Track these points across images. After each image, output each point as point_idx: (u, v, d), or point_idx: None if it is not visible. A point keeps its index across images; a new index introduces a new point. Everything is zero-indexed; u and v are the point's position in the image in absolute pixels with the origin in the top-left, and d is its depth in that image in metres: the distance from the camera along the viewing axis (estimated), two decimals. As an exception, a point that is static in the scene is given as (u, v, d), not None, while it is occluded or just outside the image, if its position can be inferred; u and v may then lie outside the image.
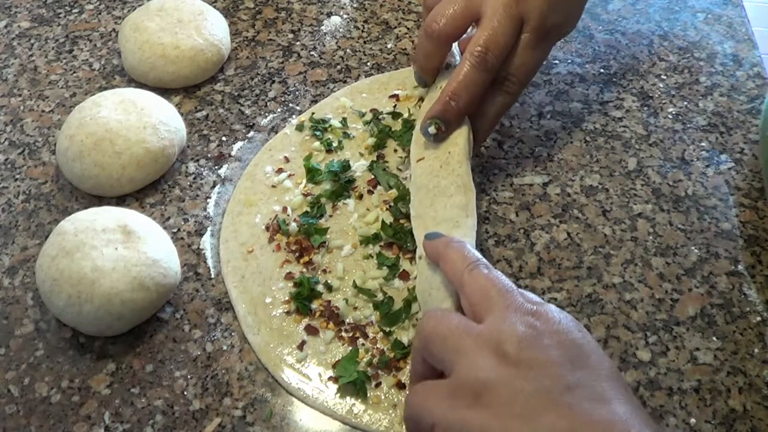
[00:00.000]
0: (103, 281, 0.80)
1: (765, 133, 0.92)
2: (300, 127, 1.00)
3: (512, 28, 0.89)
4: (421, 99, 1.00)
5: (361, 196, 0.94)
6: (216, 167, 0.98)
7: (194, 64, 1.04)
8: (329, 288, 0.87)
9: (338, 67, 1.09)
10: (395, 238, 0.90)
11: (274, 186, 0.95)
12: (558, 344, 0.63)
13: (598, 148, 0.99)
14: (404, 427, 0.73)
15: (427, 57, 0.94)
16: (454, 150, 0.89)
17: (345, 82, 1.06)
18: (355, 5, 1.17)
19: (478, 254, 0.74)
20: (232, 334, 0.84)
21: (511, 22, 0.88)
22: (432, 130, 0.89)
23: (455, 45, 0.97)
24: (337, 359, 0.82)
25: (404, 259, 0.89)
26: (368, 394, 0.80)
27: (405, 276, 0.88)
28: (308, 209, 0.93)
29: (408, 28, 1.13)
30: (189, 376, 0.82)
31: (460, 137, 0.90)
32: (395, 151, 0.98)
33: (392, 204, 0.93)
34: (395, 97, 1.03)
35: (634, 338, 0.84)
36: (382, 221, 0.92)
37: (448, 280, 0.76)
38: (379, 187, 0.95)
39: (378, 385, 0.81)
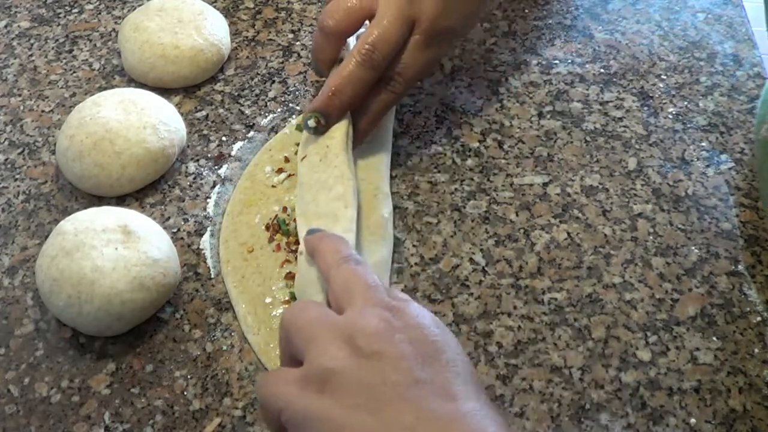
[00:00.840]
0: (103, 281, 0.80)
1: (758, 133, 0.92)
2: (300, 127, 0.99)
3: (402, 29, 0.89)
4: None
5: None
6: (216, 167, 0.98)
7: (194, 64, 1.03)
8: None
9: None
10: (395, 238, 0.90)
11: (274, 186, 0.95)
12: (411, 340, 0.64)
13: (598, 148, 0.99)
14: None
15: (321, 51, 0.95)
16: (332, 143, 0.89)
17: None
18: (357, 5, 1.16)
19: (352, 250, 0.76)
20: (232, 334, 0.84)
21: (402, 22, 0.89)
22: (311, 123, 0.90)
23: (351, 39, 0.97)
24: None
25: (404, 259, 0.89)
26: None
27: (405, 276, 0.87)
28: (308, 209, 0.93)
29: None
30: (189, 376, 0.81)
31: (338, 130, 0.90)
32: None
33: None
34: None
35: (634, 338, 0.84)
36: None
37: (321, 274, 0.77)
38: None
39: None
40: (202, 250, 0.91)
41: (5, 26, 1.15)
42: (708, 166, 0.97)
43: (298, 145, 0.97)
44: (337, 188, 0.86)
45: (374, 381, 0.61)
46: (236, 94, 1.05)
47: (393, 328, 0.64)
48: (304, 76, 1.07)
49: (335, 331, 0.65)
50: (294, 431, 0.63)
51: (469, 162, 0.97)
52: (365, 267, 0.73)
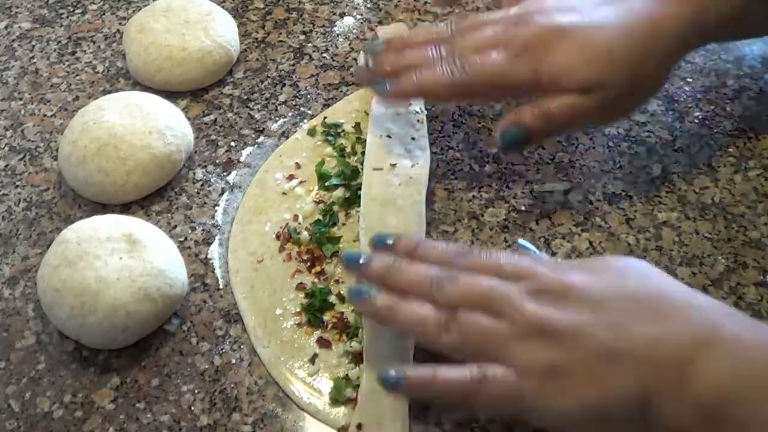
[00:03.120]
0: (107, 292, 0.79)
1: None
2: (312, 132, 0.98)
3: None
4: None
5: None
6: (224, 173, 0.96)
7: (202, 66, 1.02)
8: (342, 299, 0.85)
9: (351, 69, 1.07)
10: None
11: (284, 193, 0.93)
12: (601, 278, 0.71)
13: (621, 154, 0.97)
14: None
15: None
16: (416, 174, 0.89)
17: (358, 85, 1.04)
18: (368, 5, 1.15)
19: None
20: (241, 346, 0.83)
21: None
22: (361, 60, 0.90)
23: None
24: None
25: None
26: None
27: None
28: (320, 217, 0.91)
29: (423, 30, 1.11)
30: (196, 391, 0.80)
31: (424, 167, 0.90)
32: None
33: None
34: None
35: None
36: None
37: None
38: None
39: None
40: (210, 259, 0.90)
41: (6, 27, 1.14)
42: (735, 172, 0.95)
43: (309, 150, 0.97)
44: (410, 223, 0.86)
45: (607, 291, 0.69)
46: (245, 97, 1.04)
47: (570, 285, 0.70)
48: (316, 79, 1.06)
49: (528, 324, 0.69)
50: None
51: (488, 168, 0.96)
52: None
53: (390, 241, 0.78)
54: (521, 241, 0.85)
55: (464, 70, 0.83)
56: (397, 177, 0.89)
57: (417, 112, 0.95)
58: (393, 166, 0.90)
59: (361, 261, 0.76)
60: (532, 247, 0.83)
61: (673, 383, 0.64)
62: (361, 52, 0.94)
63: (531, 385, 0.67)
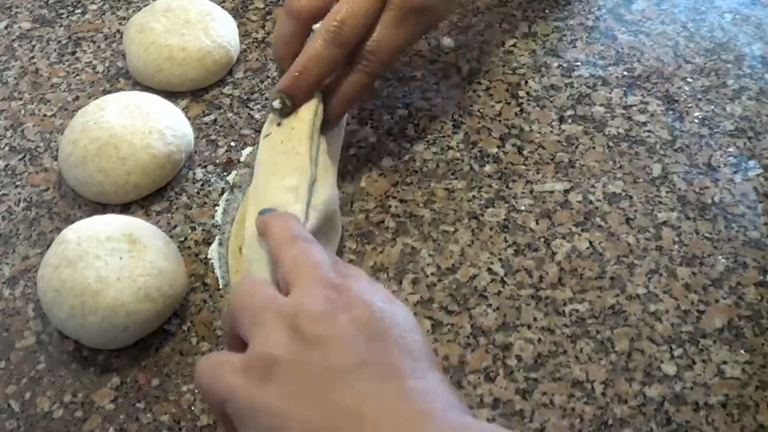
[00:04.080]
0: (107, 292, 0.79)
1: None
2: None
3: (372, 3, 0.86)
4: None
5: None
6: (224, 173, 0.96)
7: (202, 66, 1.02)
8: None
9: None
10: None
11: None
12: (355, 319, 0.63)
13: (621, 154, 0.97)
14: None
15: (288, 41, 0.90)
16: (298, 126, 0.87)
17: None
18: (367, 6, 1.14)
19: (304, 230, 0.75)
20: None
21: None
22: (276, 104, 0.87)
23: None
24: None
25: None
26: None
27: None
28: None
29: (424, 29, 1.11)
30: (197, 391, 0.80)
31: (307, 111, 0.87)
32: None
33: None
34: None
35: (659, 351, 0.82)
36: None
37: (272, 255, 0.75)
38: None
39: None
40: (210, 259, 0.90)
41: (6, 27, 1.14)
42: (735, 172, 0.95)
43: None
44: (290, 179, 0.83)
45: (317, 367, 0.61)
46: (245, 97, 1.04)
47: (337, 308, 0.63)
48: (316, 79, 1.05)
49: (280, 314, 0.64)
50: (239, 422, 0.63)
51: (488, 168, 0.96)
52: (314, 244, 0.72)
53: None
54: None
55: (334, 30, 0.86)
56: (280, 134, 0.87)
57: None
58: (278, 125, 0.88)
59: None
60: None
61: None
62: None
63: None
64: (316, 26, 0.90)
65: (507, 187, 0.94)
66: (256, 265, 0.77)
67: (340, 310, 0.63)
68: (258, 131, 0.99)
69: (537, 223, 0.91)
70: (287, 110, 0.87)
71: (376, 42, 0.87)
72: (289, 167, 0.83)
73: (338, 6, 0.86)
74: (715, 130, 0.99)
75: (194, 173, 0.96)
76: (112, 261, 0.81)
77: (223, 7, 1.10)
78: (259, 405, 0.61)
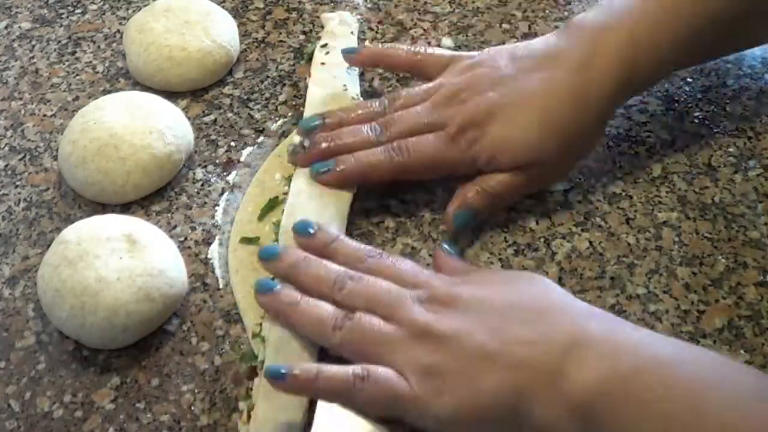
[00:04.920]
0: (107, 292, 0.79)
1: None
2: None
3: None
4: None
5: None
6: (224, 174, 0.96)
7: (202, 66, 1.02)
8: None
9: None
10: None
11: (285, 194, 0.92)
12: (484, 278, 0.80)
13: (621, 154, 0.97)
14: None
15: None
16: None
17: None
18: (368, 5, 1.15)
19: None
20: (241, 347, 0.82)
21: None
22: (295, 141, 0.92)
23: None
24: None
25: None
26: None
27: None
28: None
29: (424, 29, 1.11)
30: (196, 391, 0.80)
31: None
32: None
33: None
34: None
35: None
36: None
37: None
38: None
39: None
40: (210, 259, 0.89)
41: (6, 27, 1.14)
42: (735, 172, 0.95)
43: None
44: (329, 210, 0.87)
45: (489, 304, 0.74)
46: (245, 97, 1.04)
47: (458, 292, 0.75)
48: (316, 79, 1.05)
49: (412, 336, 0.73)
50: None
51: (488, 168, 0.95)
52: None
53: (312, 230, 0.82)
54: (444, 243, 0.87)
55: (402, 154, 0.87)
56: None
57: (353, 98, 0.96)
58: None
59: (273, 255, 0.80)
60: (452, 251, 0.86)
61: (546, 384, 0.67)
62: (296, 130, 0.93)
63: (408, 384, 0.70)
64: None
65: (507, 186, 0.94)
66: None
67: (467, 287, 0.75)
68: (258, 131, 0.99)
69: (537, 223, 0.91)
70: (295, 159, 0.92)
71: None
72: (329, 204, 0.88)
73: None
74: (715, 130, 0.99)
75: (194, 173, 0.96)
76: (112, 261, 0.81)
77: (223, 7, 1.10)
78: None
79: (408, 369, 0.71)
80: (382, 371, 0.71)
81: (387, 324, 0.73)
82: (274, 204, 0.91)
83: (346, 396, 0.72)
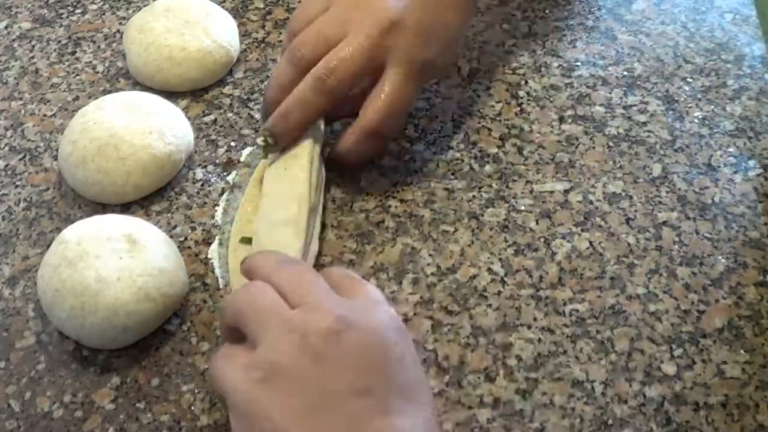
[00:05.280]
0: (107, 292, 0.79)
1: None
2: None
3: (368, 60, 0.88)
4: None
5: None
6: (224, 173, 0.96)
7: (202, 66, 1.02)
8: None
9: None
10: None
11: None
12: (360, 345, 0.66)
13: (621, 154, 0.97)
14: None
15: (285, 88, 0.91)
16: (299, 152, 0.90)
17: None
18: (367, 6, 1.14)
19: (288, 257, 0.79)
20: None
21: (370, 53, 0.88)
22: (260, 141, 0.90)
23: None
24: None
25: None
26: None
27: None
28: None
29: (423, 29, 1.10)
30: (197, 391, 0.80)
31: (308, 138, 0.90)
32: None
33: None
34: None
35: (659, 351, 0.82)
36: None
37: None
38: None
39: None
40: (210, 259, 0.89)
41: (6, 27, 1.14)
42: (735, 172, 0.95)
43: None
44: (291, 209, 0.85)
45: (316, 386, 0.64)
46: (245, 97, 1.04)
47: (345, 329, 0.65)
48: (316, 79, 1.05)
49: (289, 324, 0.66)
50: (236, 418, 0.66)
51: (488, 168, 0.96)
52: (304, 265, 0.77)
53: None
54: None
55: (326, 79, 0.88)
56: (284, 161, 0.90)
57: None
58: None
59: None
60: None
61: None
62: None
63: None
64: None
65: (507, 187, 0.94)
66: None
67: (348, 331, 0.65)
68: (258, 131, 0.99)
69: (537, 223, 0.91)
70: (271, 149, 0.90)
71: (380, 100, 0.89)
72: (289, 197, 0.86)
73: (332, 54, 0.88)
74: (715, 130, 0.99)
75: (194, 173, 0.96)
76: (112, 261, 0.81)
77: (223, 7, 1.10)
78: (256, 409, 0.64)
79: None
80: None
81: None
82: None
83: None
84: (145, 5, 1.10)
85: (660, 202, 0.93)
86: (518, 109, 1.02)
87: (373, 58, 0.88)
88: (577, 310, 0.85)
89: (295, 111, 0.88)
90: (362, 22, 0.88)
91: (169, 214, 0.93)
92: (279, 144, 0.89)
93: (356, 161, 0.93)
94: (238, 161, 0.97)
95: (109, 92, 1.03)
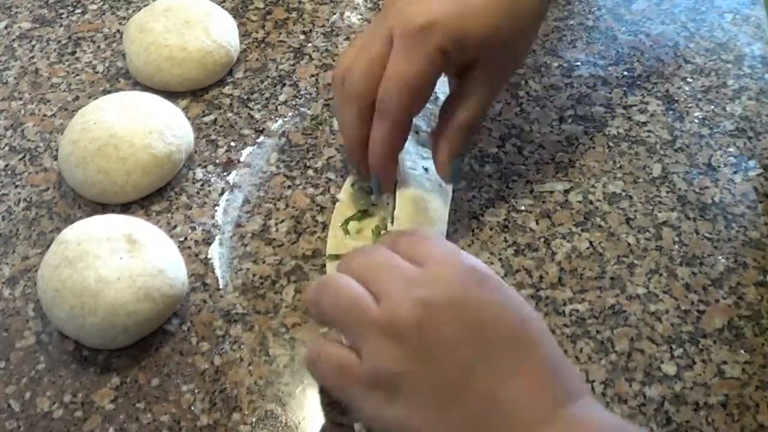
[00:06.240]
0: (107, 292, 0.79)
1: None
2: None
3: (420, 62, 0.79)
4: None
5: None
6: (224, 174, 0.96)
7: (202, 66, 1.02)
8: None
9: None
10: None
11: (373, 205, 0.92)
12: (454, 319, 0.64)
13: (621, 154, 0.97)
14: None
15: (359, 126, 0.84)
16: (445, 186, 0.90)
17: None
18: (368, 5, 1.15)
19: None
20: (241, 347, 0.83)
21: (420, 53, 0.79)
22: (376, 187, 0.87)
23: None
24: None
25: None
26: None
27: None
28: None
29: (423, 30, 1.10)
30: (196, 391, 0.80)
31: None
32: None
33: None
34: None
35: (659, 351, 0.82)
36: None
37: None
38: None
39: None
40: (210, 259, 0.89)
41: (6, 27, 1.14)
42: (735, 172, 0.95)
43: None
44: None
45: (436, 379, 0.63)
46: (245, 97, 1.04)
47: (435, 311, 0.64)
48: (316, 79, 1.06)
49: (380, 328, 0.65)
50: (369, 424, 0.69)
51: (488, 168, 0.96)
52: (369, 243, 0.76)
53: None
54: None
55: (388, 102, 0.80)
56: (429, 182, 0.88)
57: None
58: (426, 170, 0.89)
59: None
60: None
61: None
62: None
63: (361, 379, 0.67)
64: None
65: (507, 187, 0.94)
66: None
67: (440, 312, 0.64)
68: (258, 131, 0.99)
69: (537, 223, 0.91)
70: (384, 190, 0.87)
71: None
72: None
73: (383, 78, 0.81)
74: (715, 130, 0.99)
75: (194, 173, 0.96)
76: (112, 261, 0.81)
77: (223, 7, 1.10)
78: (387, 418, 0.65)
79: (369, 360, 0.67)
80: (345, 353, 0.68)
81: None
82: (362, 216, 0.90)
83: (309, 362, 0.71)
84: (145, 5, 1.10)
85: (660, 202, 0.93)
86: (518, 109, 1.02)
87: (424, 55, 0.80)
88: (577, 310, 0.85)
89: (377, 153, 0.82)
90: None
91: (169, 214, 0.93)
92: (386, 187, 0.86)
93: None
94: (238, 161, 0.97)
95: (109, 92, 1.03)
